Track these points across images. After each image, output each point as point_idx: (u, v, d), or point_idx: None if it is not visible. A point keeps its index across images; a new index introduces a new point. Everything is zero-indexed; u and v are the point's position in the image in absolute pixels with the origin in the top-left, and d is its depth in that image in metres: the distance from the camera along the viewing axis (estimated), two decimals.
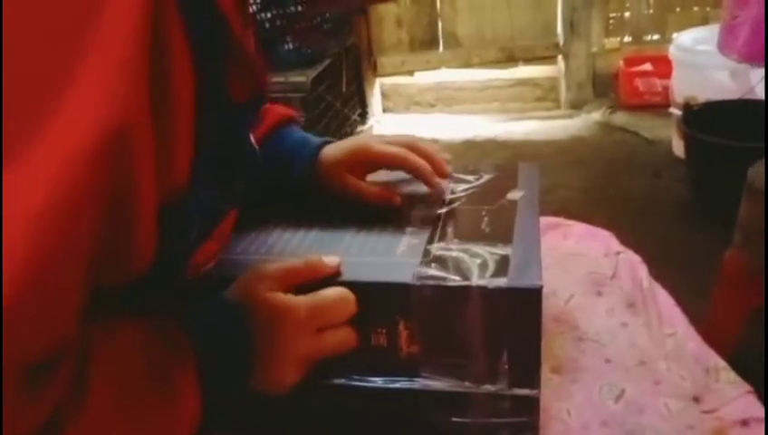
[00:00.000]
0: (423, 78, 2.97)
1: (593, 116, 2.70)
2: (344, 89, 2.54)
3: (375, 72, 2.83)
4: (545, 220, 0.75)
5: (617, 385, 0.56)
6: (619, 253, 0.70)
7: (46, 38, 0.25)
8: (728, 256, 1.21)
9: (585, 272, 0.68)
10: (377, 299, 0.48)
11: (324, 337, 0.47)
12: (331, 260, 0.49)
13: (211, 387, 0.41)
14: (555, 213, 0.80)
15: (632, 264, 0.68)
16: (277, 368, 0.46)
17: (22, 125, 0.24)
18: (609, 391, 0.56)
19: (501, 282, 0.46)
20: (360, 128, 2.80)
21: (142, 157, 0.29)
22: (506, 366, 0.47)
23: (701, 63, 2.05)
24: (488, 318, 0.47)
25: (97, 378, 0.34)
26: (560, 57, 2.82)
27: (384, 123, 2.87)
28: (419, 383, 0.50)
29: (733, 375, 0.56)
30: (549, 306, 0.64)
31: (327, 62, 2.26)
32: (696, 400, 0.55)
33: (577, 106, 2.79)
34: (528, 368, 0.48)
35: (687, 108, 1.96)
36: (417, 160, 0.60)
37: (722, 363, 0.57)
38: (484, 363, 0.48)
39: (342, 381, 0.51)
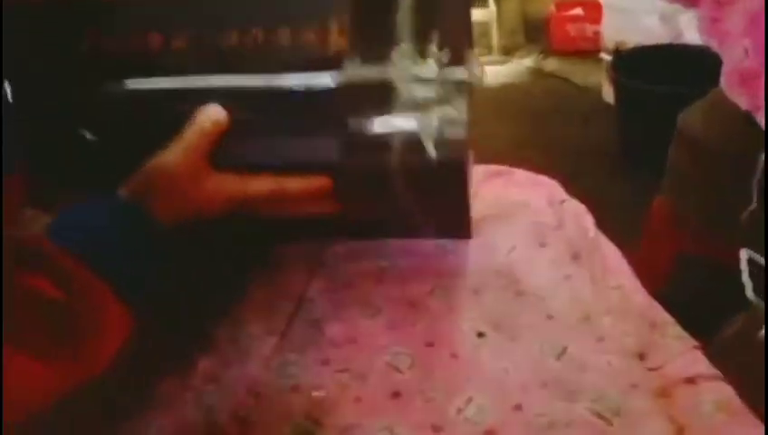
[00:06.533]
0: None
1: (525, 62, 2.67)
2: None
3: None
4: (487, 168, 0.71)
5: (558, 343, 0.52)
6: (563, 201, 0.65)
7: None
8: (656, 203, 1.21)
9: (528, 222, 0.63)
10: None
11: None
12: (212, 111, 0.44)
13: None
14: (486, 162, 0.75)
15: (577, 213, 0.64)
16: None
17: None
18: (550, 349, 0.52)
19: None
20: None
21: None
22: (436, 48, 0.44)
23: (630, 8, 2.04)
24: None
25: None
26: (491, 1, 2.76)
27: None
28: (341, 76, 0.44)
29: (679, 330, 0.53)
30: (489, 259, 0.60)
31: None
32: (641, 356, 0.52)
33: (509, 52, 2.75)
34: (459, 49, 0.44)
35: (617, 53, 1.95)
36: None
37: (668, 318, 0.54)
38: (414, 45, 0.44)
39: None
